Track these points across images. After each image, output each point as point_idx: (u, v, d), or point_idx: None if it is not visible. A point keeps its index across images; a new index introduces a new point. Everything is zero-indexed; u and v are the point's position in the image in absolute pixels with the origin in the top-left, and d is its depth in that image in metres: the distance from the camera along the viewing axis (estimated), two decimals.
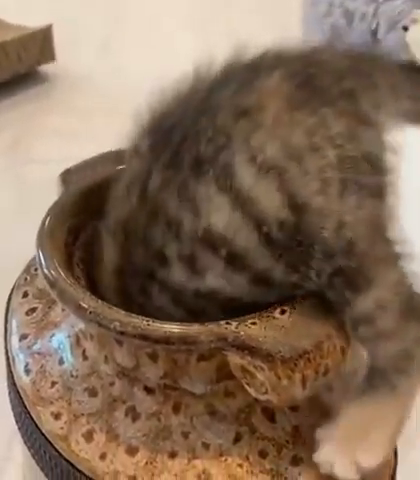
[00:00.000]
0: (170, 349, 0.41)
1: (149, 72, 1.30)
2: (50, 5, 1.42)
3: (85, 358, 0.46)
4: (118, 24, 1.46)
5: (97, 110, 1.21)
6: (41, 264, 0.43)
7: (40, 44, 1.27)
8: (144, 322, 0.40)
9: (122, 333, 0.40)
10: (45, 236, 0.45)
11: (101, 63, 1.32)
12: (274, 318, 0.41)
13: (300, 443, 0.45)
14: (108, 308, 0.41)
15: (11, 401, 0.49)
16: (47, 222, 0.46)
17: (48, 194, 1.04)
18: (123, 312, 0.41)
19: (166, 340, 0.40)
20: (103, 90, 1.25)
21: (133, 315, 0.40)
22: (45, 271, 0.43)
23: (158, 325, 0.40)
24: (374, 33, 1.22)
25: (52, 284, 0.42)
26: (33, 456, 0.46)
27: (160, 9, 1.51)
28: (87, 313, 0.40)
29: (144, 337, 0.40)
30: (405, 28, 1.00)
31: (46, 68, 1.28)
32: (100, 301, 0.41)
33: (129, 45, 1.39)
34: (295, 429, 0.45)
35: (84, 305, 0.41)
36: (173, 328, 0.40)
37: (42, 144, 1.11)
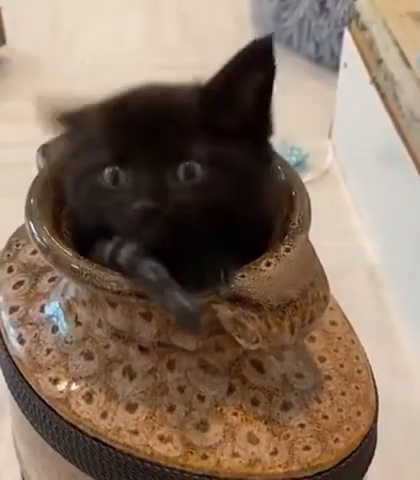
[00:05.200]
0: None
1: (101, 51, 1.30)
2: None
3: (78, 324, 0.47)
4: (67, 3, 1.45)
5: (52, 92, 1.20)
6: (32, 233, 0.44)
7: None
8: None
9: (119, 293, 0.41)
10: (33, 206, 0.46)
11: (52, 44, 1.31)
12: (261, 270, 0.43)
13: (288, 390, 0.47)
14: (102, 270, 0.42)
15: (5, 373, 0.50)
16: (33, 193, 0.47)
17: (11, 178, 1.03)
18: (117, 273, 0.42)
19: None
20: (56, 71, 1.24)
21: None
22: (37, 239, 0.44)
23: None
24: (322, 3, 1.25)
25: (45, 251, 0.43)
26: (32, 423, 0.47)
27: None
28: (83, 276, 0.42)
29: (140, 295, 0.41)
30: None
31: None
32: (94, 264, 0.42)
33: (79, 24, 1.38)
34: (283, 377, 0.48)
35: (79, 268, 0.42)
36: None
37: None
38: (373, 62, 0.93)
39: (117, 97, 0.46)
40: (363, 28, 0.97)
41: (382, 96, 0.90)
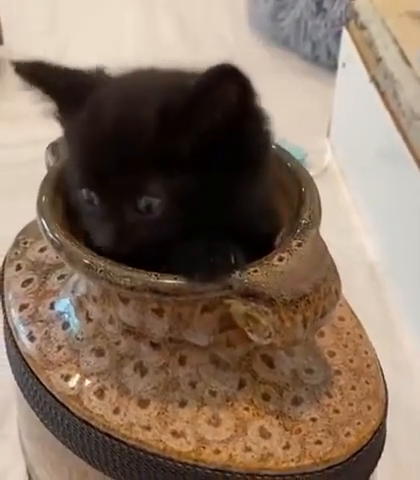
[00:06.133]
0: (177, 301, 0.43)
1: (97, 52, 1.30)
2: None
3: (89, 320, 0.47)
4: (64, 4, 1.45)
5: None
6: (45, 230, 0.44)
7: None
8: (153, 276, 0.41)
9: (132, 288, 0.41)
10: (44, 204, 0.46)
11: (49, 44, 1.31)
12: (273, 265, 0.43)
13: (299, 385, 0.48)
14: (116, 266, 0.42)
15: (15, 370, 0.49)
16: (44, 190, 0.47)
17: (8, 178, 1.02)
18: (130, 268, 0.42)
19: (175, 292, 0.41)
20: None
21: (140, 271, 0.42)
22: (50, 235, 0.44)
23: (167, 278, 0.41)
24: (319, 3, 1.26)
25: (59, 247, 0.43)
26: (42, 420, 0.47)
27: None
28: (97, 271, 0.42)
29: (154, 290, 0.41)
30: None
31: None
32: (108, 260, 0.42)
33: (76, 25, 1.38)
34: (293, 372, 0.48)
35: (93, 264, 0.42)
36: (181, 279, 0.41)
37: None
38: (372, 61, 0.94)
39: (95, 99, 0.45)
40: (362, 27, 0.98)
41: (382, 94, 0.90)
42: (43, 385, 0.46)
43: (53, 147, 0.51)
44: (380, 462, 0.51)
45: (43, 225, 0.44)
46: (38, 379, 0.46)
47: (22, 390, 0.49)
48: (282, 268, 0.43)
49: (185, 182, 0.42)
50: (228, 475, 0.44)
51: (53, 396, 0.45)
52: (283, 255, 0.44)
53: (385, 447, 0.51)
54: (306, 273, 0.44)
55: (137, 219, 0.43)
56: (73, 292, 0.48)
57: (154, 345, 0.45)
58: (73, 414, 0.45)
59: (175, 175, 0.42)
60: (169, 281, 0.41)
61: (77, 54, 1.28)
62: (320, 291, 0.44)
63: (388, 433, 0.52)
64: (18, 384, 0.49)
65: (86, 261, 0.42)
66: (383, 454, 0.51)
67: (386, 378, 0.53)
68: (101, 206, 0.43)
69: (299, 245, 0.44)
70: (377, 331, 0.81)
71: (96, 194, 0.43)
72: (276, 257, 0.44)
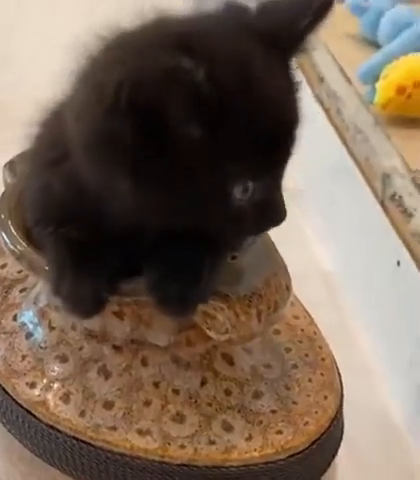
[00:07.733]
0: (137, 303, 0.45)
1: (51, 82, 1.31)
2: None
3: (52, 329, 0.48)
4: (16, 35, 1.46)
5: (2, 124, 1.20)
6: (6, 242, 0.46)
7: None
8: None
9: None
10: (4, 220, 0.47)
11: (1, 77, 1.32)
12: (228, 263, 0.46)
13: (258, 379, 0.50)
14: None
15: None
16: (4, 205, 0.48)
17: None
18: None
19: (135, 292, 0.43)
20: (7, 104, 1.24)
21: None
22: (11, 247, 0.45)
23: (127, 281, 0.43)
24: None
25: (19, 257, 0.45)
26: (9, 430, 0.48)
27: (57, 18, 1.52)
28: None
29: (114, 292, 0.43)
30: None
31: None
32: None
33: (28, 57, 1.40)
34: (252, 368, 0.50)
35: None
36: (140, 281, 0.43)
37: None
38: (315, 80, 0.98)
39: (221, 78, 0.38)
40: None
41: (326, 111, 0.94)
42: (9, 394, 0.47)
43: (10, 165, 0.53)
44: (339, 461, 0.53)
45: (4, 238, 0.46)
46: (4, 389, 0.47)
47: None
48: (235, 266, 0.46)
49: None
50: (194, 469, 0.45)
51: (19, 405, 0.46)
52: (236, 254, 0.46)
53: (343, 446, 0.54)
54: (258, 270, 0.46)
55: None
56: (35, 303, 0.50)
57: (116, 348, 0.47)
58: (40, 420, 0.46)
59: None
60: (130, 282, 0.43)
61: (32, 83, 1.29)
62: (271, 286, 0.46)
63: (346, 432, 0.54)
64: None
65: (46, 267, 0.43)
66: (342, 453, 0.53)
67: (343, 378, 0.55)
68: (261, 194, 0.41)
69: (250, 244, 0.47)
70: (333, 335, 0.84)
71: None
72: (230, 256, 0.46)
